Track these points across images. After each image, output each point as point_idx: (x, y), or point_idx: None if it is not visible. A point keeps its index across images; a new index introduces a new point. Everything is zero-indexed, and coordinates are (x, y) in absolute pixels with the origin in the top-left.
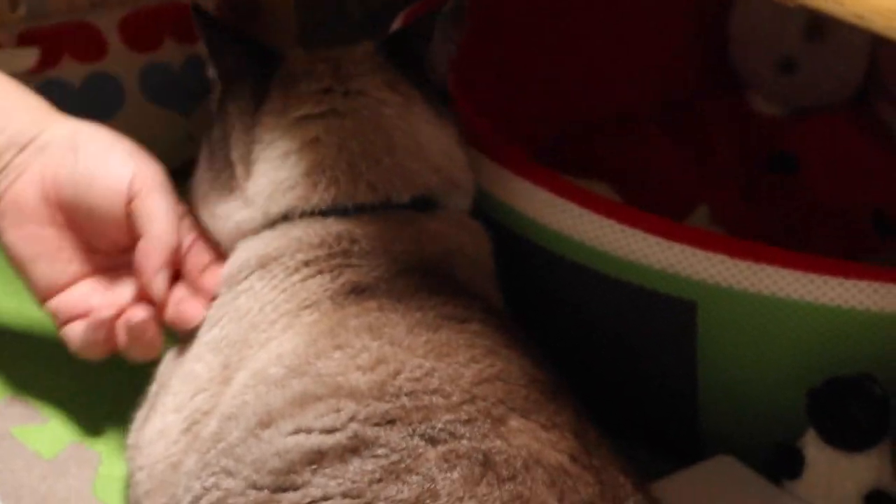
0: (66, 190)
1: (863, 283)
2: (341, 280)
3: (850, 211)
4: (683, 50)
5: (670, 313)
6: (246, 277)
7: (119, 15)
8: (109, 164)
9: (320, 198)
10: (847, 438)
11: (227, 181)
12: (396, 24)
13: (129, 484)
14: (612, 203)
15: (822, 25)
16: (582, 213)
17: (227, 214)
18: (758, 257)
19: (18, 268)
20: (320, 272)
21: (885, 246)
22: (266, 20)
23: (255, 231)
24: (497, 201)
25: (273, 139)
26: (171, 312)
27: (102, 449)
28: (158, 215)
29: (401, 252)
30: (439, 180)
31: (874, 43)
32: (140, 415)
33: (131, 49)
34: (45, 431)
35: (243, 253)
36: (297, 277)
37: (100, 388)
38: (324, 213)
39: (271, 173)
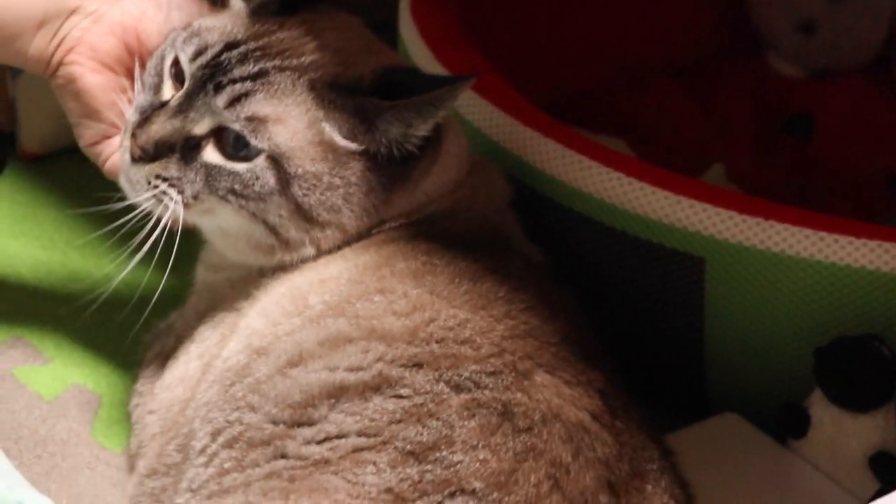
0: (152, 40)
1: (873, 243)
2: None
3: (864, 173)
4: (703, 9)
5: (678, 269)
6: None
7: None
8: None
9: None
10: (853, 398)
11: None
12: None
13: (132, 427)
14: (621, 156)
15: None
16: (591, 166)
17: None
18: (767, 214)
19: (89, 111)
20: None
21: None
22: None
23: None
24: (508, 153)
25: None
26: None
27: (104, 392)
28: None
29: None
30: None
31: None
32: (151, 363)
33: None
34: (46, 372)
35: None
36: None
37: (103, 330)
38: None
39: None
